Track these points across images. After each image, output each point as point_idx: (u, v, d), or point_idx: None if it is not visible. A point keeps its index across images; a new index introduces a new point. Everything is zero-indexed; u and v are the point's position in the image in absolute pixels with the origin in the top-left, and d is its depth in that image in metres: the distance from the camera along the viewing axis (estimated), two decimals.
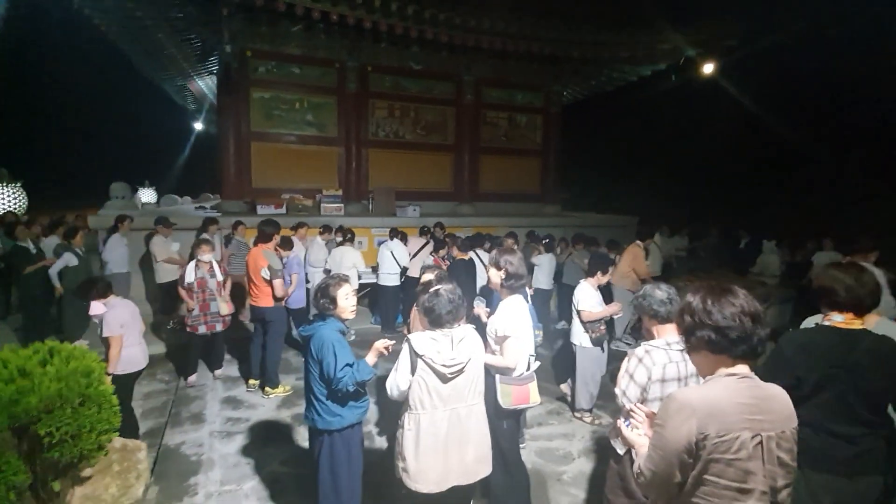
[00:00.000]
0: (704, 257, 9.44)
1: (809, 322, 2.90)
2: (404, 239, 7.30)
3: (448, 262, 6.50)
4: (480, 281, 6.07)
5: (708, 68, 9.88)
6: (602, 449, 3.97)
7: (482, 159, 10.78)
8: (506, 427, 2.86)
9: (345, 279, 2.71)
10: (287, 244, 5.72)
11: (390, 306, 7.12)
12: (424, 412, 2.28)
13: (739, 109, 12.95)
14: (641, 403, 2.41)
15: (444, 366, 2.23)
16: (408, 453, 2.28)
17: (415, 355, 2.24)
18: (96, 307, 3.70)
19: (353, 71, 9.28)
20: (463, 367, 2.28)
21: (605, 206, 13.64)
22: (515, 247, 6.15)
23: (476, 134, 10.61)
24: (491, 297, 3.79)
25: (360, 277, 7.00)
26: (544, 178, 11.45)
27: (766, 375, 1.62)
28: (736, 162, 14.27)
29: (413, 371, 2.26)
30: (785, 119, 12.38)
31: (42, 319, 6.13)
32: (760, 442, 1.28)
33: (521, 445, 3.91)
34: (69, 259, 5.96)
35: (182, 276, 5.11)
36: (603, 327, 4.32)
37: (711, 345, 1.37)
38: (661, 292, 2.44)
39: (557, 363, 5.44)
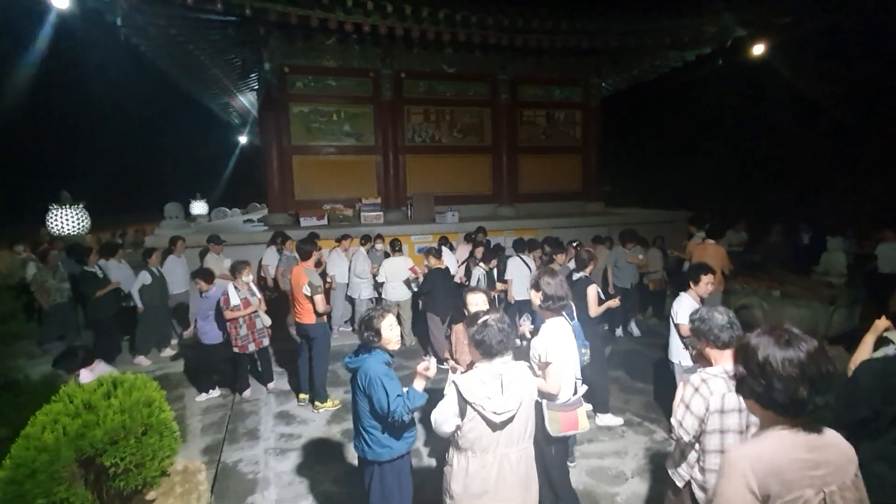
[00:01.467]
0: (764, 255, 8.85)
1: (890, 348, 2.64)
2: (451, 247, 7.34)
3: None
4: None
5: (759, 49, 9.25)
6: (658, 468, 3.79)
7: (521, 159, 10.58)
8: (554, 453, 2.77)
9: (388, 310, 2.69)
10: (208, 277, 5.28)
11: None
12: (474, 456, 2.21)
13: (794, 93, 12.06)
14: (699, 435, 2.26)
15: (494, 413, 2.13)
16: (455, 493, 2.23)
17: (463, 401, 2.17)
18: (85, 375, 3.55)
19: (388, 78, 9.32)
20: (514, 415, 2.19)
21: (650, 200, 13.10)
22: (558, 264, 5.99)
23: (513, 133, 10.42)
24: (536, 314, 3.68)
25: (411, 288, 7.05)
26: (586, 175, 11.12)
27: (840, 408, 1.46)
28: (791, 149, 13.30)
29: (462, 415, 2.18)
30: (844, 101, 11.43)
31: (111, 342, 6.48)
32: (824, 498, 1.21)
33: (571, 465, 3.80)
34: (144, 278, 6.36)
35: (226, 299, 5.10)
36: None
37: (759, 398, 1.27)
38: (721, 316, 2.28)
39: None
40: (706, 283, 3.73)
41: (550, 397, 2.73)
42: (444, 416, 2.24)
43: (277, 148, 8.91)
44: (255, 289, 5.39)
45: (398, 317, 7.07)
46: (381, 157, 9.59)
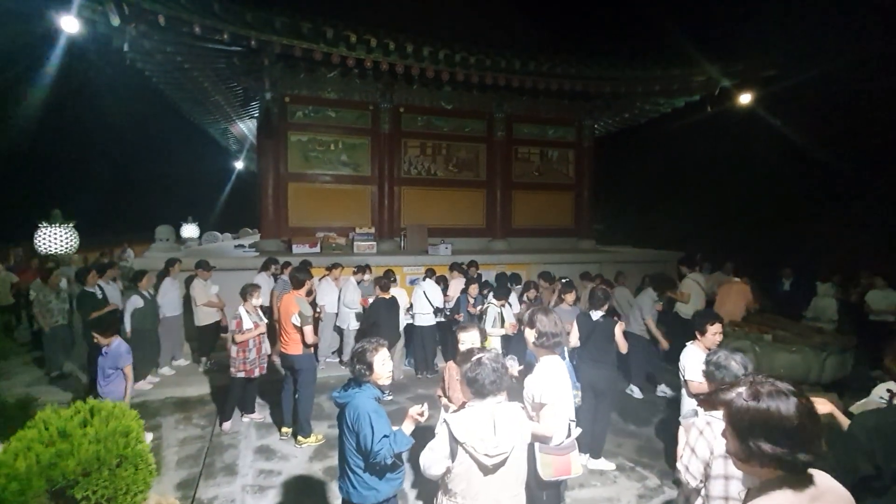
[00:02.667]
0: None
1: (874, 395, 2.64)
2: (439, 280, 7.31)
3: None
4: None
5: (745, 98, 9.62)
6: None
7: (514, 195, 10.75)
8: (546, 499, 2.68)
9: (382, 344, 2.64)
10: (106, 331, 4.28)
11: (427, 347, 7.05)
12: (464, 502, 2.13)
13: (781, 139, 12.50)
14: (704, 480, 2.21)
15: (486, 455, 2.07)
16: None
17: (454, 441, 2.11)
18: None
19: (387, 112, 9.52)
20: (506, 457, 2.13)
21: (641, 239, 13.27)
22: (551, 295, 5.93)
23: (508, 170, 10.62)
24: (524, 353, 3.64)
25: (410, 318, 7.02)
26: (578, 213, 11.29)
27: (840, 467, 1.42)
28: (776, 195, 13.68)
29: (452, 457, 2.11)
30: (829, 149, 11.86)
31: None
32: None
33: None
34: (136, 301, 6.22)
35: (238, 323, 5.06)
36: None
37: (759, 457, 1.22)
38: (736, 364, 2.27)
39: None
40: (714, 334, 3.40)
41: (544, 440, 2.66)
42: (435, 458, 2.17)
43: (274, 174, 8.96)
44: (261, 313, 5.33)
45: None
46: (377, 188, 9.67)
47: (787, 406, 1.20)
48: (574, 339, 4.53)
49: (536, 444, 2.68)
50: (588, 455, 4.48)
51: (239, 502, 3.88)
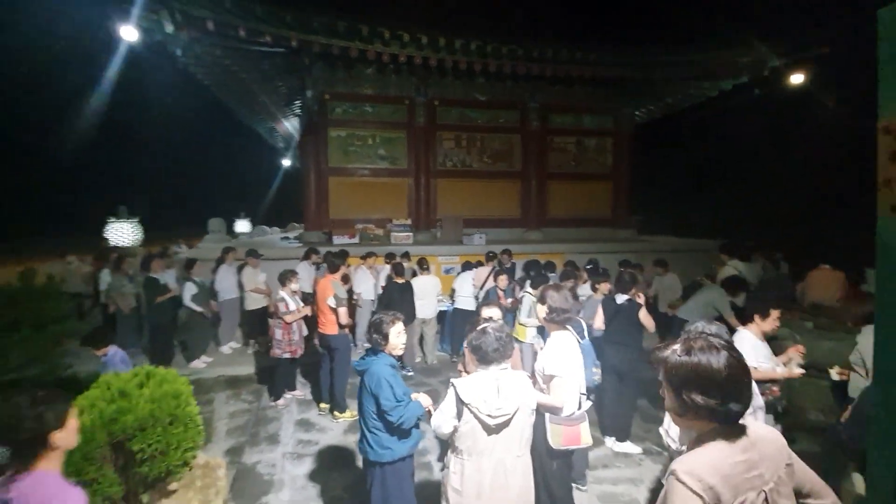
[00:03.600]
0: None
1: None
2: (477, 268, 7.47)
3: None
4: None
5: (797, 79, 9.10)
6: None
7: (550, 185, 10.69)
8: (556, 468, 2.77)
9: (399, 317, 2.83)
10: (99, 342, 4.17)
11: (466, 331, 7.22)
12: (470, 459, 2.28)
13: (835, 122, 11.68)
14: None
15: (489, 416, 2.21)
16: (451, 495, 2.29)
17: (460, 402, 2.27)
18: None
19: (422, 106, 9.72)
20: (510, 419, 2.26)
21: (682, 229, 12.82)
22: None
23: (543, 160, 10.57)
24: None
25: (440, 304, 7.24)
26: (616, 202, 11.07)
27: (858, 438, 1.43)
28: (829, 181, 12.78)
29: (459, 416, 2.27)
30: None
31: (168, 343, 6.88)
32: (766, 498, 1.22)
33: (583, 489, 3.76)
34: (191, 287, 6.78)
35: (284, 305, 5.43)
36: (776, 388, 3.21)
37: (694, 409, 1.27)
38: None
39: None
40: (775, 319, 3.21)
41: (554, 410, 2.76)
42: (444, 418, 2.33)
43: (315, 169, 9.39)
44: (297, 298, 5.70)
45: (422, 334, 7.20)
46: (413, 180, 9.91)
47: (718, 359, 1.24)
48: (599, 323, 4.56)
49: (546, 414, 2.78)
50: (613, 438, 4.51)
51: (279, 467, 4.21)
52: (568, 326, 2.90)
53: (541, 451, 2.80)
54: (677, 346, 1.32)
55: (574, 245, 9.61)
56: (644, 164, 12.72)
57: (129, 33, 6.37)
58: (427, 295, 6.92)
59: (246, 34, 6.98)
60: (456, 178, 10.21)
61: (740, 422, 1.29)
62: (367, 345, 2.87)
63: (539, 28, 9.17)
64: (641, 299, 4.61)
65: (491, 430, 2.25)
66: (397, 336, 2.77)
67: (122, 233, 11.26)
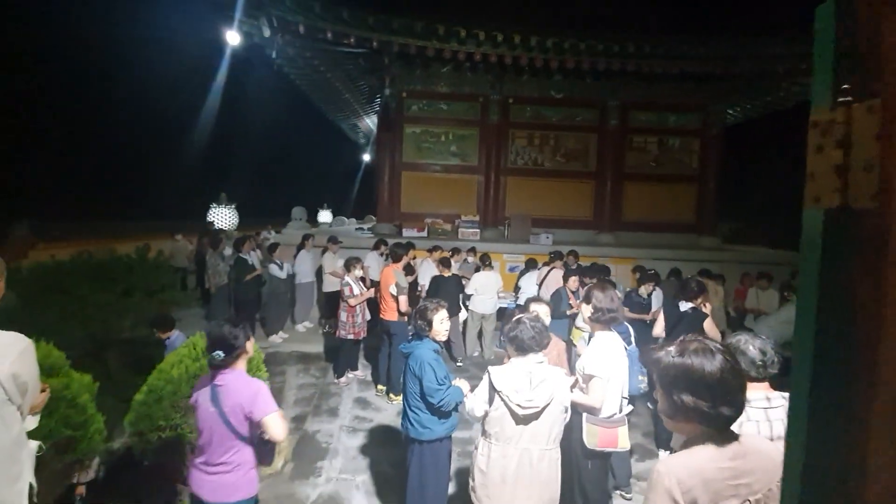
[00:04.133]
0: None
1: None
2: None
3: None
4: None
5: None
6: None
7: (626, 186, 10.26)
8: (590, 467, 2.76)
9: (443, 305, 2.97)
10: (164, 325, 4.49)
11: None
12: (497, 444, 2.36)
13: None
14: None
15: (519, 405, 2.28)
16: (477, 475, 2.40)
17: (493, 389, 2.35)
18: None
19: (496, 103, 9.78)
20: (539, 411, 2.30)
21: (783, 239, 11.66)
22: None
23: (620, 160, 10.17)
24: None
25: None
26: (700, 207, 10.36)
27: None
28: None
29: (490, 402, 2.37)
30: None
31: (251, 318, 7.59)
32: None
33: (627, 496, 3.67)
34: (274, 269, 7.49)
35: (349, 289, 5.79)
36: None
37: (686, 412, 1.26)
38: (754, 350, 2.12)
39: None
40: None
41: (591, 411, 2.75)
42: (477, 402, 2.44)
43: (390, 164, 9.82)
44: (361, 284, 6.08)
45: (481, 328, 7.31)
46: (483, 177, 10.01)
47: (712, 362, 1.23)
48: (658, 330, 4.39)
49: (584, 414, 2.78)
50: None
51: (336, 437, 4.56)
52: (612, 328, 2.86)
53: (576, 449, 2.81)
54: (672, 348, 1.32)
55: (649, 251, 9.16)
56: (741, 168, 11.74)
57: (232, 38, 7.12)
58: (487, 290, 7.01)
59: (332, 36, 7.49)
60: (526, 177, 10.15)
61: (739, 433, 1.27)
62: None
63: (621, 20, 8.76)
64: (707, 308, 4.35)
65: (519, 420, 2.32)
66: (441, 323, 2.91)
67: (222, 217, 12.56)
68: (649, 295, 6.03)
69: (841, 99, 0.53)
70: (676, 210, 10.43)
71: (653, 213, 10.34)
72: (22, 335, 1.90)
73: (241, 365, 2.30)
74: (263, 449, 2.30)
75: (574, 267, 7.66)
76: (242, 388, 2.20)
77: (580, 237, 9.91)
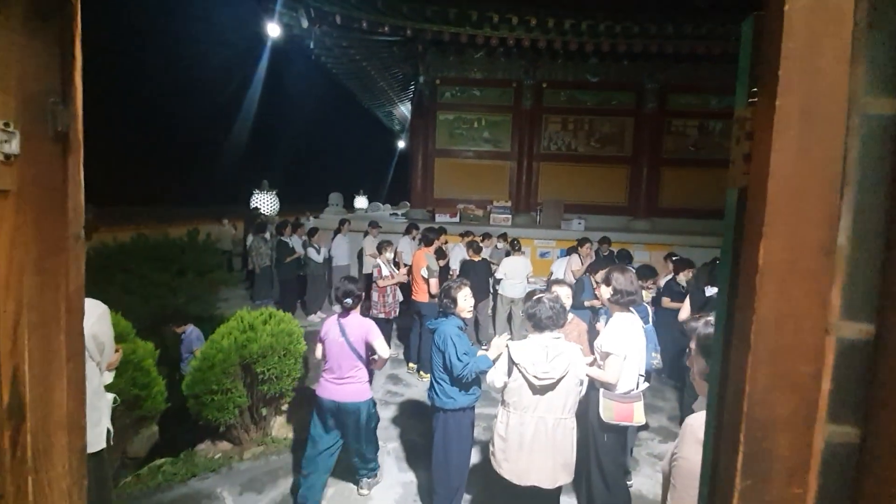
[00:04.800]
0: None
1: None
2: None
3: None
4: None
5: None
6: None
7: (664, 171, 10.06)
8: (606, 440, 2.89)
9: (465, 283, 3.15)
10: (179, 320, 5.07)
11: None
12: (515, 412, 2.54)
13: None
14: None
15: (535, 377, 2.44)
16: (497, 441, 2.58)
17: (511, 362, 2.53)
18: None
19: (529, 88, 9.74)
20: (555, 383, 2.46)
21: None
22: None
23: (658, 144, 9.96)
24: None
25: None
26: None
27: None
28: None
29: (508, 374, 2.54)
30: None
31: (292, 297, 8.11)
32: None
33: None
34: (312, 253, 7.89)
35: (379, 271, 6.10)
36: None
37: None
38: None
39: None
40: None
41: (608, 386, 2.88)
42: (497, 374, 2.63)
43: (423, 151, 10.00)
44: (392, 266, 6.35)
45: (510, 312, 7.45)
46: (516, 163, 10.04)
47: None
48: (684, 314, 4.41)
49: (601, 389, 2.91)
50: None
51: None
52: (632, 309, 2.96)
53: (593, 423, 2.94)
54: (706, 318, 1.49)
55: (688, 237, 8.98)
56: None
57: (273, 30, 7.44)
58: (517, 275, 7.12)
59: (367, 26, 7.68)
60: (559, 162, 10.11)
61: None
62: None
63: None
64: None
65: (536, 390, 2.48)
66: (465, 300, 3.09)
67: (264, 203, 13.14)
68: (688, 282, 5.98)
69: (750, 100, 0.66)
70: (718, 196, 10.09)
71: (691, 199, 10.09)
72: (100, 301, 2.22)
73: (358, 310, 3.23)
74: (373, 364, 3.26)
75: (606, 254, 7.66)
76: (361, 324, 3.17)
77: (614, 223, 9.82)
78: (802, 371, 0.55)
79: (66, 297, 0.56)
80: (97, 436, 2.21)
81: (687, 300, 4.41)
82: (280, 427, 4.04)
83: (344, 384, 3.13)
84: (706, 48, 8.12)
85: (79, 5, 0.60)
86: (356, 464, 3.39)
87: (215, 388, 3.51)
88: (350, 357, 3.11)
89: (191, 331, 4.99)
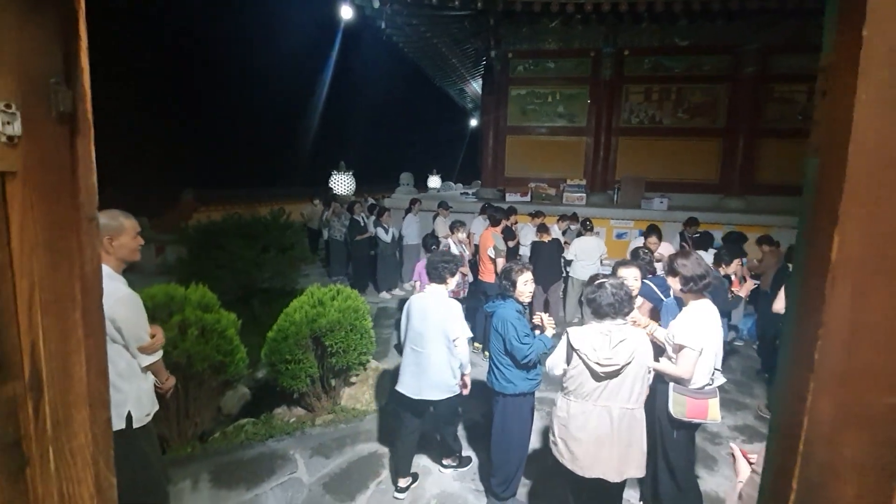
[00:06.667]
0: None
1: None
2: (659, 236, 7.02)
3: None
4: None
5: None
6: None
7: (762, 144, 9.01)
8: (675, 437, 2.69)
9: (527, 267, 3.04)
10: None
11: None
12: (576, 400, 2.43)
13: None
14: None
15: (597, 363, 2.31)
16: (557, 430, 2.49)
17: (571, 348, 2.41)
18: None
19: (609, 57, 9.11)
20: (619, 370, 2.31)
21: None
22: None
23: (757, 113, 8.92)
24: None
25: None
26: None
27: None
28: None
29: (568, 361, 2.42)
30: None
31: (364, 274, 8.45)
32: None
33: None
34: (381, 233, 8.15)
35: (447, 250, 6.17)
36: None
37: None
38: None
39: None
40: None
41: (679, 381, 2.66)
42: (556, 361, 2.53)
43: (494, 128, 9.79)
44: (463, 246, 6.37)
45: (581, 295, 7.18)
46: (592, 139, 9.52)
47: None
48: (779, 305, 3.96)
49: (671, 384, 2.70)
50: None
51: None
52: (707, 294, 2.69)
53: (661, 418, 2.75)
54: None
55: (787, 217, 8.03)
56: None
57: (346, 12, 7.59)
58: (589, 256, 6.81)
59: (437, 1, 7.56)
60: (641, 136, 9.42)
61: None
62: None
63: None
64: None
65: (599, 378, 2.35)
66: (524, 284, 2.99)
67: (342, 183, 13.70)
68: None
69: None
70: None
71: (795, 174, 8.96)
72: (124, 287, 2.16)
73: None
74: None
75: (695, 236, 7.07)
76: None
77: (703, 202, 9.02)
78: (883, 402, 0.43)
79: (81, 277, 0.59)
80: (116, 417, 2.05)
81: (781, 293, 3.95)
82: (349, 398, 4.24)
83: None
84: (817, 1, 7.03)
85: None
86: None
87: (288, 357, 3.75)
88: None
89: None
